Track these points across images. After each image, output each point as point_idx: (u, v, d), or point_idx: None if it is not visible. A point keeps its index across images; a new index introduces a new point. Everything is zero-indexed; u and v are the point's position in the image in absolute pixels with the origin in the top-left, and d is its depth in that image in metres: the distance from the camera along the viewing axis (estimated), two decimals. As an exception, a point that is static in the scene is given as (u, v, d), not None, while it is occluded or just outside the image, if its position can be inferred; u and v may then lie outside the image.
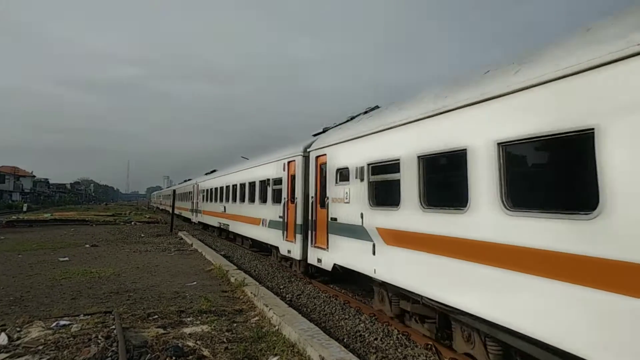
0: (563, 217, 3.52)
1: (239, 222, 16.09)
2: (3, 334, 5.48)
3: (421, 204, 5.47)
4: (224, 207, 18.76)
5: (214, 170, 25.27)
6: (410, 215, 5.68)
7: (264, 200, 13.08)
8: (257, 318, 6.57)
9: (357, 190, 7.26)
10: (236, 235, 17.51)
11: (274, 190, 12.17)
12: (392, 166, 6.20)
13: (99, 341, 5.20)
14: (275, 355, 5.00)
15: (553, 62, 3.73)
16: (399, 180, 5.97)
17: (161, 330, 5.77)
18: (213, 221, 21.51)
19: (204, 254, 13.76)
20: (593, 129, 3.30)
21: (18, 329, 5.76)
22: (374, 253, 6.62)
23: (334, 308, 7.88)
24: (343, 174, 7.97)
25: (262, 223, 13.03)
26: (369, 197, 6.88)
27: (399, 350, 5.73)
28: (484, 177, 4.39)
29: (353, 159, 7.49)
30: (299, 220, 10.11)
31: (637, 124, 3.01)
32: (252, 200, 14.47)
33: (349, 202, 7.55)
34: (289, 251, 10.79)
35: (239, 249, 16.57)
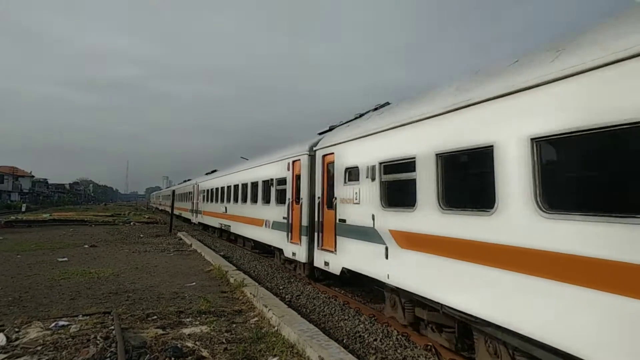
0: (616, 220, 3.12)
1: (241, 223, 15.84)
2: (1, 334, 5.46)
3: (440, 205, 5.11)
4: (225, 208, 18.50)
5: (215, 170, 25.03)
6: (428, 217, 5.33)
7: (267, 200, 12.80)
8: (256, 319, 6.56)
9: (368, 190, 6.94)
10: (237, 236, 17.29)
11: (277, 190, 11.89)
12: (407, 165, 5.87)
13: (98, 342, 5.18)
14: (275, 356, 4.99)
15: (601, 46, 3.33)
16: (414, 180, 5.64)
17: (160, 331, 5.76)
18: (214, 222, 21.26)
19: (203, 254, 13.74)
20: None
21: (16, 329, 5.74)
22: (386, 257, 6.26)
23: (333, 309, 7.87)
24: (352, 174, 7.68)
25: (265, 224, 12.78)
26: (380, 198, 6.56)
27: (399, 351, 5.73)
28: (514, 176, 3.99)
29: (363, 158, 7.17)
30: (305, 222, 9.84)
31: None
32: (254, 200, 14.18)
33: (359, 203, 7.24)
34: (293, 253, 10.49)
35: (239, 250, 16.55)
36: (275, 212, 11.87)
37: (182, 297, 7.86)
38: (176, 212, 34.57)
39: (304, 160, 10.14)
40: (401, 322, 6.58)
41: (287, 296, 8.76)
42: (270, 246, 12.74)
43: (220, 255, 13.49)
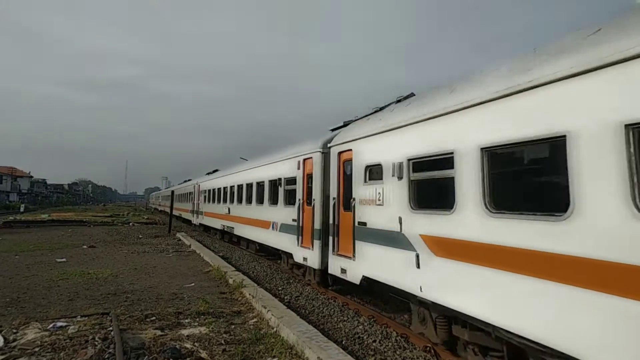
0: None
1: (245, 225, 15.06)
2: (-1, 335, 5.44)
3: (486, 207, 4.42)
4: (228, 209, 17.78)
5: (216, 170, 24.34)
6: (471, 220, 4.64)
7: (274, 201, 12.04)
8: (255, 320, 6.55)
9: (394, 190, 6.25)
10: (240, 238, 16.69)
11: (286, 190, 11.13)
12: (443, 161, 5.21)
13: (96, 343, 5.16)
14: (274, 357, 4.98)
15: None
16: (452, 178, 4.97)
17: (159, 332, 5.74)
18: (216, 223, 20.51)
19: (202, 255, 13.72)
20: None
21: (14, 330, 5.72)
22: (418, 266, 5.53)
23: (332, 310, 7.86)
24: (374, 172, 6.98)
25: (272, 226, 12.02)
26: (409, 199, 5.87)
27: (398, 352, 5.72)
28: (602, 171, 3.33)
29: (388, 154, 6.47)
30: (317, 225, 9.07)
31: None
32: (260, 201, 13.39)
33: (383, 204, 6.54)
34: (304, 259, 9.67)
35: (238, 251, 16.51)
36: (284, 213, 11.16)
37: (181, 298, 7.84)
38: (176, 213, 34.41)
39: (317, 158, 9.37)
40: (432, 340, 5.82)
41: (286, 297, 8.75)
42: (277, 250, 11.94)
43: (219, 256, 13.46)
